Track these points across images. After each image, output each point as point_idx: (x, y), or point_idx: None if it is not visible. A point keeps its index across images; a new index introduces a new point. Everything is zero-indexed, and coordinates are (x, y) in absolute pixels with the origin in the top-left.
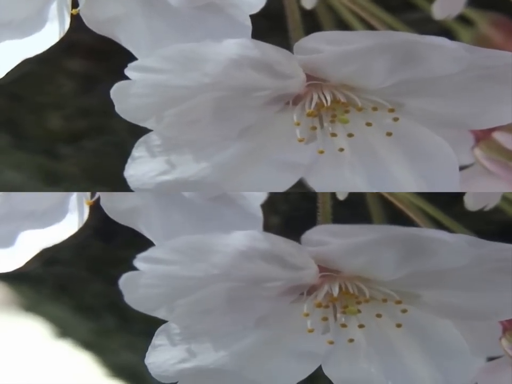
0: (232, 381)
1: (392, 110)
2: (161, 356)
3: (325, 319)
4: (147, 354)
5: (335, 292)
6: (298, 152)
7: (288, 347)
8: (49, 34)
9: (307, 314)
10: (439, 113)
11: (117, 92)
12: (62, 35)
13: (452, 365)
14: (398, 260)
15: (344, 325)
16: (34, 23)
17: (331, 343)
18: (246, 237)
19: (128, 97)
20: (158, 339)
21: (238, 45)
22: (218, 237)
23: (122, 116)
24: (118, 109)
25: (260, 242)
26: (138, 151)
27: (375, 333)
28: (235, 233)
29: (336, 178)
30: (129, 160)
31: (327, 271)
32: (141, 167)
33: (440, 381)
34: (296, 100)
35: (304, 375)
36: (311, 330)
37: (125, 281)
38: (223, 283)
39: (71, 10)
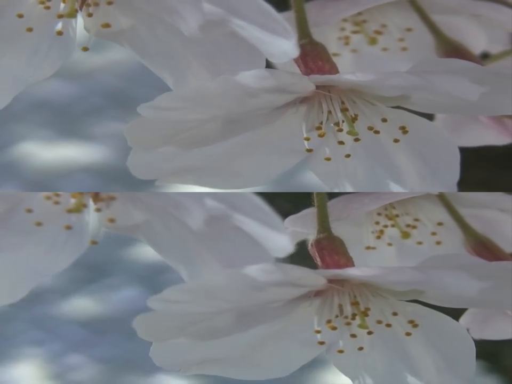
0: (237, 367)
1: (403, 128)
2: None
3: (334, 328)
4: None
5: (348, 311)
6: (302, 141)
7: (293, 334)
8: (52, 61)
9: (319, 331)
10: (444, 102)
11: (131, 129)
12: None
13: (455, 353)
14: None
15: (348, 323)
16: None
17: (341, 352)
18: (258, 272)
19: (141, 133)
20: None
21: (254, 78)
22: (230, 275)
23: (134, 147)
24: (130, 143)
25: (273, 275)
26: None
27: (380, 326)
28: (247, 268)
29: (337, 164)
30: (132, 152)
31: (335, 283)
32: (144, 156)
33: (443, 369)
34: (304, 99)
35: (306, 360)
36: (322, 343)
37: (139, 321)
38: (234, 310)
39: (81, 47)
